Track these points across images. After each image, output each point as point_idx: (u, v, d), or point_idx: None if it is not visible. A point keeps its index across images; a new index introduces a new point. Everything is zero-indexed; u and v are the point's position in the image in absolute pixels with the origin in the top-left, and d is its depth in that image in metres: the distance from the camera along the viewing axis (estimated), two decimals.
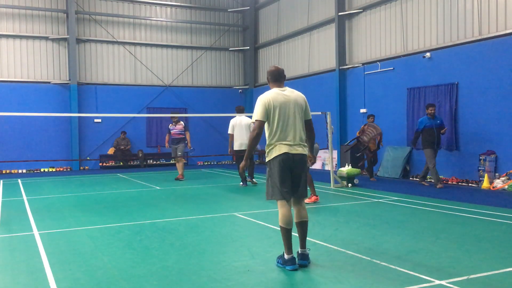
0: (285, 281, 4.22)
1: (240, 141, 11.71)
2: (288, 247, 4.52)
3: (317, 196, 8.76)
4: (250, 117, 21.18)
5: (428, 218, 7.18)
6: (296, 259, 4.58)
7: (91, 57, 18.79)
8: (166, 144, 13.65)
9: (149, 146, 19.62)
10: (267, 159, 4.67)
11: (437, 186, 10.74)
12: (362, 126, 12.84)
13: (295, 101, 4.68)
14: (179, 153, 13.17)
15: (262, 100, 4.64)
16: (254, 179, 11.95)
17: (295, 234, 4.70)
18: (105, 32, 18.92)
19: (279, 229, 4.63)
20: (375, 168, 14.52)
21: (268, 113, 4.59)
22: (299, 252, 4.66)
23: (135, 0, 19.35)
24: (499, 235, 5.90)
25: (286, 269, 4.47)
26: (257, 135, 4.60)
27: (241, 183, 11.70)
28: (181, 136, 13.21)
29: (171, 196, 10.33)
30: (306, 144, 4.76)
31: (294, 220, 4.71)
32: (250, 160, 11.67)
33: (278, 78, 4.80)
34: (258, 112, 4.62)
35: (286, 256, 4.52)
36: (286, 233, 4.53)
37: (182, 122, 13.39)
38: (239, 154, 11.74)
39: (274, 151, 4.59)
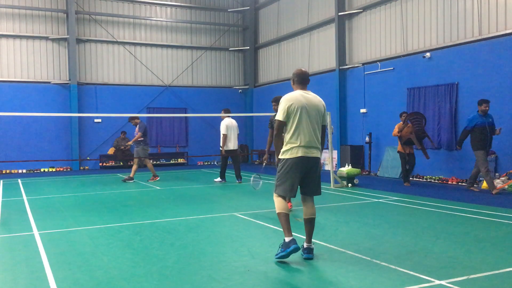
0: (285, 281, 4.22)
1: (233, 142, 12.33)
2: (288, 230, 4.72)
3: None
4: (248, 117, 21.07)
5: (428, 218, 7.18)
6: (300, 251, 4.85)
7: (91, 57, 18.78)
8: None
9: (149, 146, 19.59)
10: (281, 156, 4.89)
11: (493, 192, 9.56)
12: (397, 125, 11.53)
13: (316, 105, 4.90)
14: (135, 156, 13.03)
15: (285, 101, 4.85)
16: (240, 179, 12.42)
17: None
18: (105, 32, 18.92)
19: (277, 216, 4.88)
20: (374, 167, 14.50)
21: (289, 114, 4.79)
22: (305, 246, 4.88)
23: (135, 0, 19.35)
24: (499, 235, 5.90)
25: (288, 252, 4.56)
26: (278, 135, 4.91)
27: (220, 179, 12.54)
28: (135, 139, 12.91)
29: (171, 196, 10.32)
30: (320, 146, 4.95)
31: (303, 217, 4.96)
32: (235, 160, 12.50)
33: (303, 80, 5.00)
34: (280, 113, 4.84)
35: (286, 239, 4.67)
36: (285, 217, 4.78)
37: (138, 125, 13.05)
38: (232, 154, 12.37)
39: (290, 152, 4.81)
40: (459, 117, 11.77)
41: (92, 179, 13.98)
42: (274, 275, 4.35)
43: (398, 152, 11.67)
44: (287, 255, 4.62)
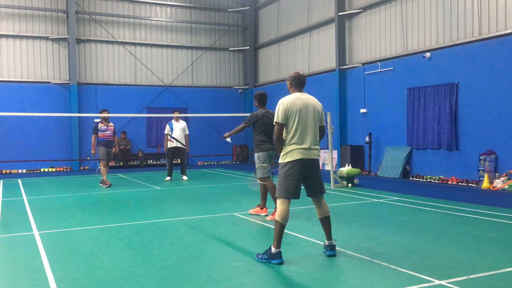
0: (285, 281, 4.22)
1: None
2: (278, 241, 4.68)
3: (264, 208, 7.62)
4: (245, 117, 21.11)
5: (428, 218, 7.17)
6: (325, 250, 4.94)
7: (91, 57, 18.79)
8: (93, 149, 11.77)
9: (149, 146, 19.63)
10: (281, 160, 4.88)
11: None
12: None
13: (314, 106, 4.91)
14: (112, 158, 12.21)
15: (283, 104, 4.83)
16: (185, 176, 13.38)
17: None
18: (105, 32, 18.92)
19: (274, 223, 4.77)
20: (374, 167, 14.48)
21: (288, 117, 4.79)
22: (327, 244, 4.96)
23: (135, 0, 19.35)
24: (499, 235, 5.90)
25: (272, 263, 4.60)
26: (279, 139, 4.85)
27: (168, 178, 13.18)
28: (112, 138, 11.89)
29: (171, 196, 10.33)
30: (319, 147, 4.98)
31: (318, 217, 5.02)
32: (182, 159, 13.41)
33: (301, 83, 5.00)
34: (278, 115, 4.81)
35: (273, 250, 4.65)
36: (280, 228, 4.70)
37: (112, 123, 12.01)
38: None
39: (290, 155, 4.79)
40: (459, 117, 11.77)
41: (92, 179, 13.97)
42: (274, 275, 4.35)
43: None
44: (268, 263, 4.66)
